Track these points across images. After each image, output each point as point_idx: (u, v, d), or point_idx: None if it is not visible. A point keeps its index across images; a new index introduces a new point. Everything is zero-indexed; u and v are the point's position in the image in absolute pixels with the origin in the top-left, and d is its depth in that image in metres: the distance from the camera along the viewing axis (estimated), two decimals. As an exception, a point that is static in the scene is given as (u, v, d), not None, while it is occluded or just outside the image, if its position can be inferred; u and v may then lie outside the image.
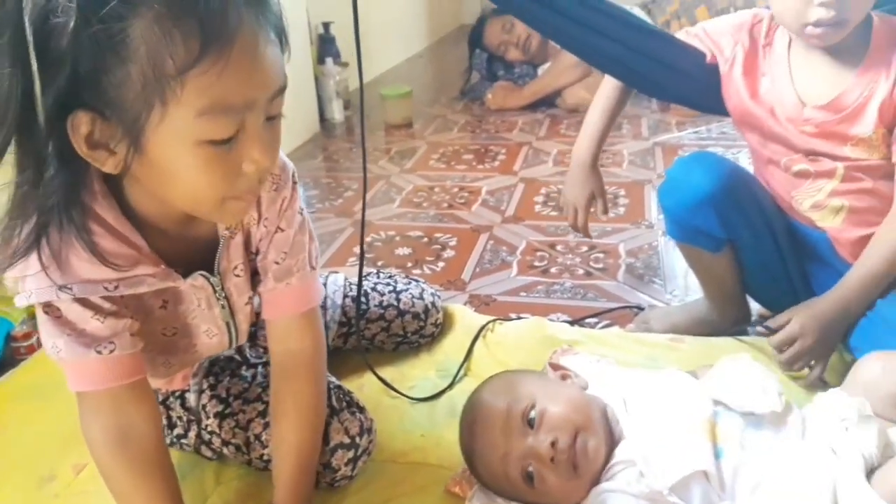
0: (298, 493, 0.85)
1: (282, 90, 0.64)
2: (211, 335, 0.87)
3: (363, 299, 1.16)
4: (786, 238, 1.15)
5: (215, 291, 0.82)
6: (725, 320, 1.23)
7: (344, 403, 0.94)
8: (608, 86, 1.29)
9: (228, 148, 0.61)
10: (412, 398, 1.09)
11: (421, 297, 1.19)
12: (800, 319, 1.03)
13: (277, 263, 0.83)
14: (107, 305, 0.73)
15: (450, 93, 3.13)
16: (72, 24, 0.54)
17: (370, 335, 1.17)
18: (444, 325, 1.25)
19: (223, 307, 0.85)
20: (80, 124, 0.59)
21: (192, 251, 0.79)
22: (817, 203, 1.09)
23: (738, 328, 1.24)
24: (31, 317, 1.41)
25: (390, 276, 1.24)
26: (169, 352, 0.86)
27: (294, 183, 0.83)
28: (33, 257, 0.67)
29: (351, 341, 1.16)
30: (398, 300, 1.17)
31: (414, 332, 1.19)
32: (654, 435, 0.81)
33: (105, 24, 0.54)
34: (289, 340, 0.86)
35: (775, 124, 1.07)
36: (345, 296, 1.16)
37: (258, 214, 0.81)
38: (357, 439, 0.91)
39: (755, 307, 1.28)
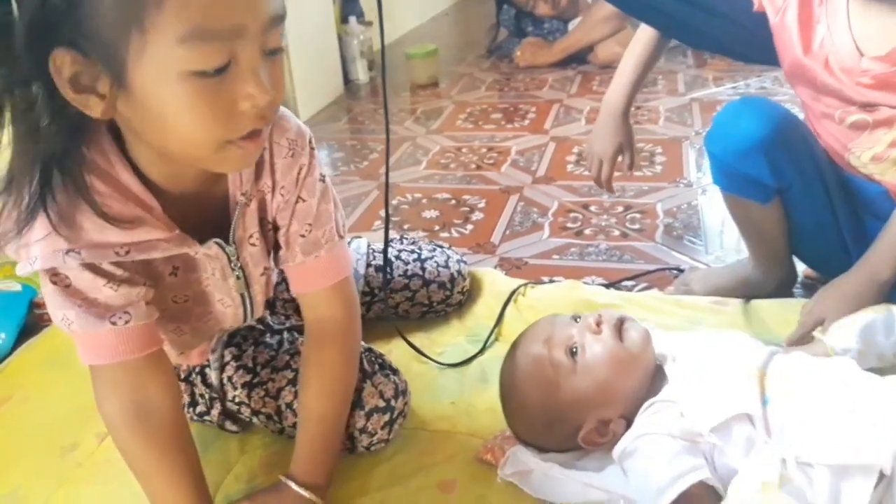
0: (316, 464, 0.81)
1: (277, 19, 0.59)
2: (225, 305, 0.83)
3: (387, 269, 1.12)
4: (839, 192, 1.07)
5: (230, 261, 0.78)
6: (770, 281, 1.17)
7: (376, 366, 0.91)
8: (644, 34, 1.22)
9: (219, 81, 0.57)
10: (441, 363, 1.05)
11: (446, 266, 1.14)
12: (824, 301, 0.99)
13: (303, 236, 0.79)
14: (119, 272, 0.69)
15: (477, 51, 3.04)
16: None
17: (394, 304, 1.12)
18: (473, 290, 1.21)
19: (238, 278, 0.80)
20: (63, 64, 0.55)
21: (205, 218, 0.74)
22: (877, 155, 1.01)
23: (783, 289, 1.18)
24: (55, 283, 1.39)
25: (414, 243, 1.19)
26: (181, 319, 0.82)
27: (312, 149, 0.78)
28: (39, 222, 0.63)
29: (374, 309, 1.12)
30: (423, 269, 1.12)
31: (440, 302, 1.14)
32: (699, 379, 0.78)
33: None
34: (320, 309, 0.83)
35: (829, 77, 1.00)
36: (368, 264, 1.11)
37: (272, 182, 0.76)
38: (392, 402, 0.89)
39: (800, 268, 1.21)
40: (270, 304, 0.99)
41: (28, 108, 0.57)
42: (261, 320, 0.97)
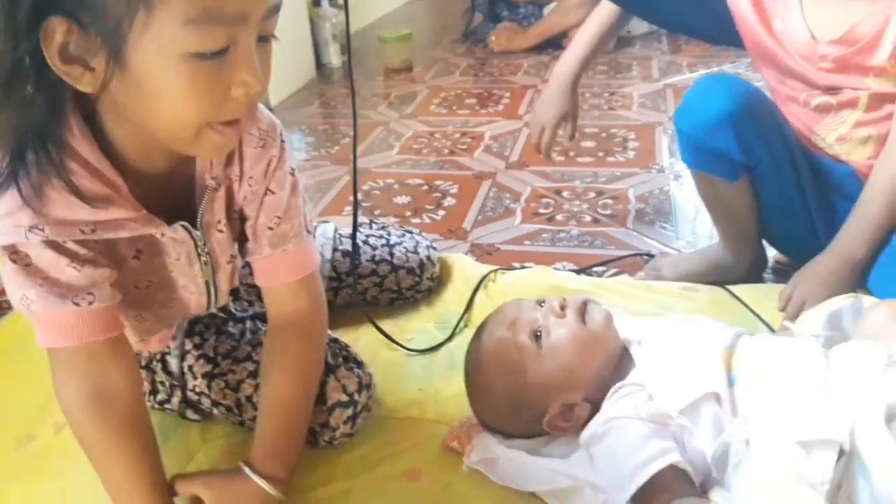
0: (276, 455, 0.78)
1: (276, 7, 0.59)
2: (189, 291, 0.81)
3: (356, 254, 1.10)
4: (808, 172, 1.07)
5: (197, 246, 0.76)
6: (740, 264, 1.17)
7: (340, 359, 0.89)
8: (603, 10, 1.24)
9: (217, 65, 0.57)
10: (410, 349, 1.03)
11: (416, 251, 1.12)
12: (802, 284, 1.01)
13: (271, 229, 0.78)
14: (82, 252, 0.67)
15: (451, 35, 3.01)
16: None
17: (362, 289, 1.10)
18: (443, 276, 1.19)
19: (205, 263, 0.78)
20: (55, 32, 0.54)
21: (171, 201, 0.72)
22: (842, 136, 1.02)
23: (753, 274, 1.18)
24: (14, 270, 1.35)
25: (383, 228, 1.17)
26: (142, 305, 0.80)
27: (283, 142, 0.77)
28: (4, 196, 0.61)
29: (342, 295, 1.10)
30: (392, 255, 1.10)
31: (409, 288, 1.12)
32: (665, 361, 0.77)
33: None
34: (285, 303, 0.82)
35: (790, 60, 1.00)
36: (334, 249, 1.09)
37: (240, 171, 0.74)
38: (356, 395, 0.86)
39: (771, 254, 1.21)
40: (234, 290, 0.97)
41: (15, 77, 0.56)
42: (223, 308, 0.94)
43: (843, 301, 0.85)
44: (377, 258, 1.10)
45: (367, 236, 1.12)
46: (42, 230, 0.63)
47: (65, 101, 0.61)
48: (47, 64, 0.56)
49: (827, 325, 0.83)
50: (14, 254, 0.65)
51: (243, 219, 0.79)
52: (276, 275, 0.81)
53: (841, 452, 0.66)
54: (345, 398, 0.86)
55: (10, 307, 1.23)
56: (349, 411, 0.86)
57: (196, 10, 0.53)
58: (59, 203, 0.63)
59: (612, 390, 0.77)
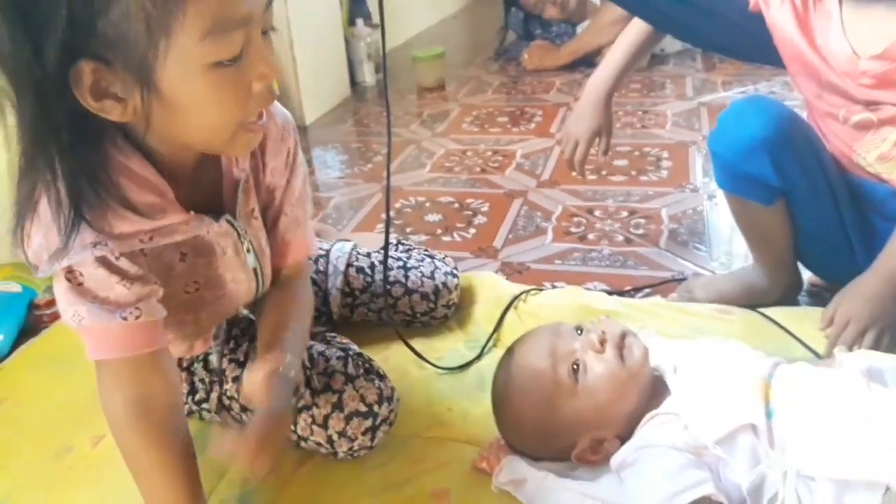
0: (277, 342, 0.79)
1: (272, 0, 0.64)
2: (238, 283, 0.84)
3: (368, 272, 1.11)
4: (845, 194, 1.05)
5: (240, 236, 0.80)
6: (775, 288, 1.15)
7: (361, 370, 0.90)
8: (638, 24, 1.23)
9: (237, 67, 0.61)
10: (439, 367, 1.04)
11: (432, 277, 1.11)
12: (845, 304, 0.99)
13: (286, 215, 0.86)
14: (132, 270, 0.70)
15: (484, 54, 3.03)
16: None
17: (376, 308, 1.11)
18: (473, 295, 1.19)
19: (249, 251, 0.83)
20: (83, 75, 0.57)
21: (205, 197, 0.76)
22: (883, 154, 0.99)
23: (788, 297, 1.16)
24: (56, 284, 1.39)
25: (409, 249, 1.17)
26: (196, 308, 0.83)
27: (296, 134, 0.85)
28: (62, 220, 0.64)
29: (358, 312, 1.11)
30: (406, 277, 1.10)
31: (424, 314, 1.11)
32: (702, 390, 0.76)
33: None
34: (283, 278, 0.90)
35: (832, 74, 0.99)
36: (349, 265, 1.10)
37: (263, 162, 0.81)
38: (375, 407, 0.87)
39: (806, 276, 1.19)
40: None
41: (52, 126, 0.59)
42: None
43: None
44: (391, 279, 1.10)
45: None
46: (106, 245, 0.67)
47: (106, 128, 0.64)
48: (79, 107, 0.59)
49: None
50: (69, 273, 0.68)
51: (266, 207, 0.85)
52: (287, 256, 0.88)
53: (886, 491, 0.64)
54: (363, 408, 0.86)
55: (51, 321, 1.26)
56: (368, 422, 0.86)
57: (208, 22, 0.57)
58: (117, 220, 0.67)
59: (646, 418, 0.76)
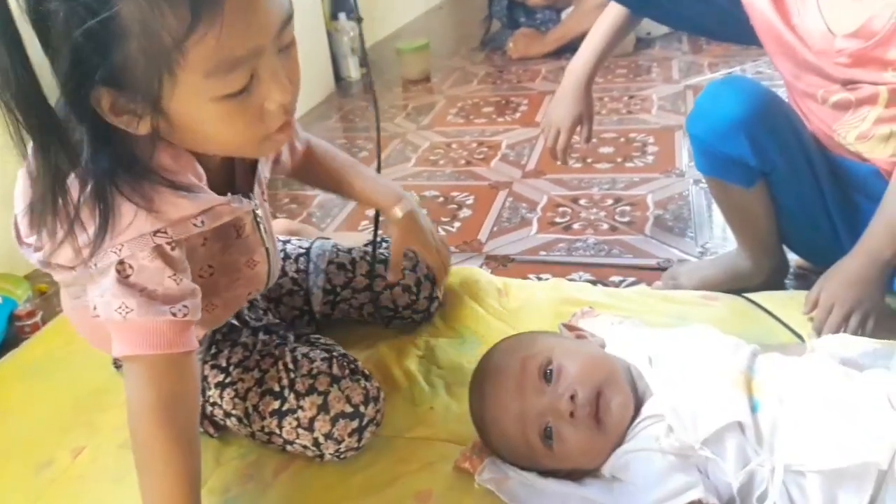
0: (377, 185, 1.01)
1: (288, 20, 0.63)
2: (253, 265, 0.85)
3: (349, 267, 1.09)
4: (827, 174, 1.04)
5: (256, 215, 0.82)
6: (761, 271, 1.14)
7: (347, 371, 0.89)
8: (615, 7, 1.21)
9: (247, 95, 0.62)
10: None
11: (413, 270, 1.09)
12: (829, 287, 0.97)
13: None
14: (181, 261, 0.71)
15: (469, 44, 3.01)
16: (61, 12, 0.55)
17: (358, 304, 1.10)
18: (458, 290, 1.18)
19: (266, 231, 0.85)
20: (101, 98, 0.60)
21: (224, 178, 0.78)
22: (863, 133, 0.98)
23: (774, 280, 1.15)
24: (38, 294, 1.38)
25: (389, 246, 1.16)
26: (209, 293, 0.81)
27: None
28: (120, 213, 0.65)
29: (339, 309, 1.10)
30: (387, 269, 1.08)
31: (405, 307, 1.09)
32: (683, 388, 0.75)
33: (92, 9, 0.55)
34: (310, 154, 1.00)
35: (808, 53, 0.97)
36: (329, 261, 1.09)
37: None
38: (361, 408, 0.86)
39: (791, 259, 1.18)
40: None
41: (67, 146, 0.61)
42: (238, 315, 0.96)
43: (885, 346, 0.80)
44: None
45: (365, 252, 1.11)
46: (165, 232, 0.68)
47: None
48: (100, 119, 0.61)
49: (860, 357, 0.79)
50: (120, 265, 0.68)
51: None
52: (294, 150, 0.98)
53: (878, 475, 0.63)
54: (349, 409, 0.86)
55: (32, 331, 1.25)
56: (354, 423, 0.86)
57: (211, 63, 0.58)
58: (167, 203, 0.68)
59: (630, 427, 0.75)
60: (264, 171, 0.84)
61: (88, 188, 0.64)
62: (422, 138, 2.05)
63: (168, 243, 0.69)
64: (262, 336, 0.95)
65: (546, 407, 0.75)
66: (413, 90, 2.53)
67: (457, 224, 1.52)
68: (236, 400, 0.89)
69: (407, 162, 1.89)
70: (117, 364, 0.99)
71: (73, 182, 0.64)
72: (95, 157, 0.63)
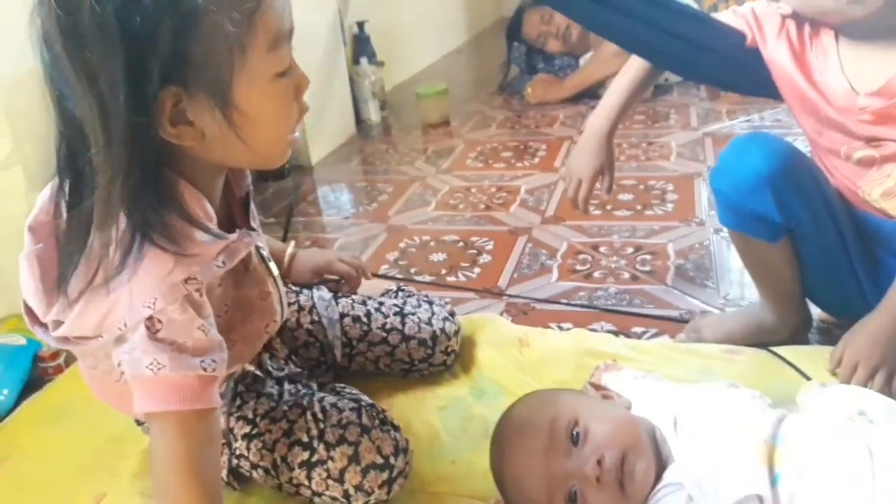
0: None
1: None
2: (265, 297, 0.85)
3: (364, 320, 1.09)
4: (851, 230, 1.04)
5: (258, 246, 0.83)
6: (784, 326, 1.13)
7: (377, 421, 0.89)
8: (638, 59, 1.22)
9: (288, 78, 0.68)
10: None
11: (429, 323, 1.10)
12: (853, 344, 0.97)
13: None
14: (204, 303, 0.70)
15: (488, 88, 3.04)
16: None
17: (374, 357, 1.09)
18: (477, 339, 1.18)
19: (269, 259, 0.86)
20: (165, 102, 0.61)
21: (224, 217, 0.79)
22: (888, 191, 0.98)
23: (798, 335, 1.14)
24: (61, 335, 1.39)
25: (410, 296, 1.16)
26: (228, 330, 0.81)
27: None
28: (145, 264, 0.65)
29: (356, 362, 1.10)
30: (403, 324, 1.09)
31: (422, 361, 1.09)
32: (705, 457, 0.74)
33: None
34: None
35: (831, 110, 0.98)
36: (343, 314, 1.09)
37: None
38: (391, 459, 0.86)
39: (816, 313, 1.17)
40: (268, 345, 0.99)
41: (127, 158, 0.61)
42: (260, 365, 0.96)
43: None
44: (388, 326, 1.09)
45: (381, 304, 1.12)
46: (195, 279, 0.68)
47: (162, 157, 0.66)
48: (145, 137, 0.62)
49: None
50: (149, 321, 0.67)
51: None
52: None
53: None
54: (380, 460, 0.85)
55: (56, 373, 1.26)
56: (385, 475, 0.85)
57: (271, 36, 0.64)
58: (193, 245, 0.68)
59: (651, 493, 0.74)
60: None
61: (121, 233, 0.63)
62: (441, 182, 2.07)
63: (197, 290, 0.68)
64: (287, 386, 0.95)
65: (573, 470, 0.74)
66: (432, 134, 2.56)
67: (476, 269, 1.52)
68: (264, 451, 0.89)
69: (426, 206, 1.91)
70: (139, 422, 0.99)
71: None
72: (140, 191, 0.63)
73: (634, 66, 1.25)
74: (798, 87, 1.02)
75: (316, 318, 1.09)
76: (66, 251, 0.66)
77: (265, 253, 0.86)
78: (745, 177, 1.00)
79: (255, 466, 0.90)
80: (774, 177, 0.99)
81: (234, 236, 0.73)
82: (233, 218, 0.81)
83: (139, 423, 0.98)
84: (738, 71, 1.11)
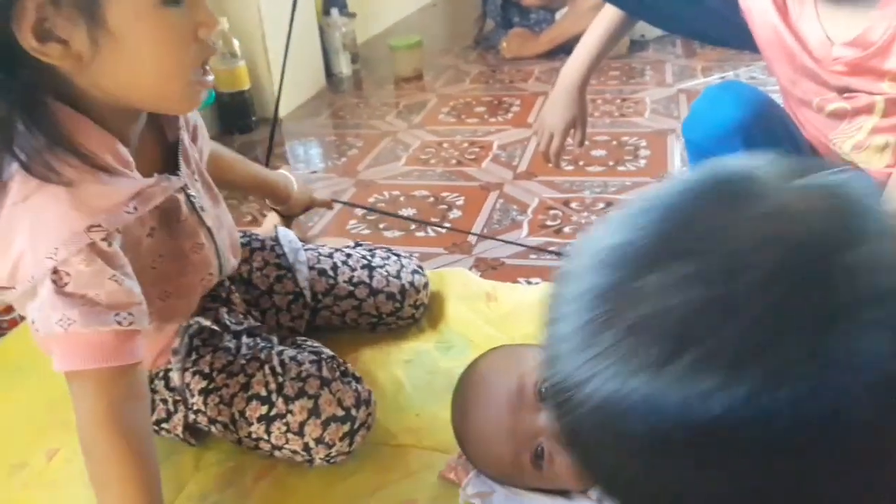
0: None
1: None
2: (198, 249, 0.82)
3: (331, 273, 1.06)
4: None
5: (188, 195, 0.79)
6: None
7: (337, 373, 0.87)
8: (610, 10, 1.20)
9: (181, 12, 0.64)
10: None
11: (398, 276, 1.07)
12: None
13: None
14: (120, 258, 0.67)
15: (463, 42, 2.98)
16: None
17: (340, 311, 1.07)
18: (445, 293, 1.16)
19: (202, 209, 0.82)
20: (25, 10, 0.57)
21: (148, 162, 0.75)
22: (858, 143, 0.97)
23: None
24: (16, 289, 1.35)
25: (371, 250, 1.13)
26: (162, 281, 0.80)
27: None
28: (45, 198, 0.62)
29: (321, 317, 1.07)
30: (371, 277, 1.06)
31: (390, 314, 1.07)
32: None
33: None
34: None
35: (806, 57, 0.96)
36: (310, 267, 1.06)
37: (185, 119, 0.83)
38: (353, 411, 0.84)
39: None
40: (227, 300, 0.96)
41: None
42: (217, 319, 0.93)
43: None
44: (355, 280, 1.06)
45: (348, 256, 1.09)
46: (99, 226, 0.65)
47: (42, 83, 0.62)
48: (16, 51, 0.57)
49: None
50: (55, 274, 0.64)
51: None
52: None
53: None
54: (340, 412, 0.84)
55: (10, 327, 1.22)
56: (346, 427, 0.83)
57: None
58: (92, 192, 0.65)
59: None
60: (191, 149, 0.82)
61: None
62: (413, 137, 2.03)
63: (104, 239, 0.65)
64: (245, 340, 0.92)
65: (540, 427, 0.73)
66: (405, 88, 2.50)
67: (446, 225, 1.50)
68: (221, 406, 0.87)
69: (397, 161, 1.87)
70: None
71: None
72: (9, 119, 0.61)
73: (607, 17, 1.22)
74: (776, 31, 0.99)
75: (280, 252, 1.05)
76: None
77: (199, 203, 0.82)
78: (716, 125, 0.99)
79: (213, 422, 0.88)
80: (746, 125, 0.97)
81: (145, 181, 0.70)
82: (159, 163, 0.78)
83: None
84: (715, 20, 1.09)
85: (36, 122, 0.62)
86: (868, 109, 0.95)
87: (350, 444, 0.84)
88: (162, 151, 0.79)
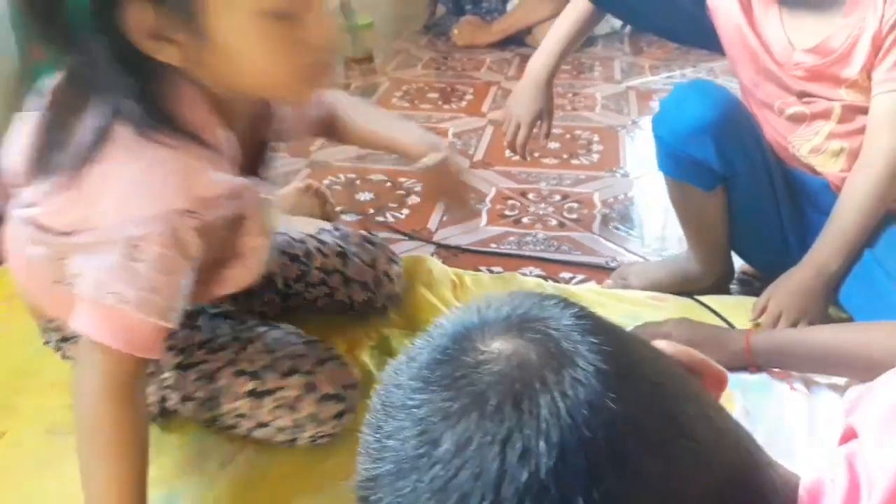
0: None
1: None
2: (255, 251, 0.78)
3: (304, 260, 1.03)
4: (782, 184, 1.08)
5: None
6: (708, 275, 1.17)
7: (328, 355, 0.88)
8: (578, 4, 1.22)
9: (292, 22, 0.61)
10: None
11: (373, 266, 1.05)
12: (777, 296, 1.01)
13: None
14: (196, 249, 0.66)
15: (413, 26, 2.96)
16: None
17: (311, 298, 1.04)
18: (411, 279, 1.15)
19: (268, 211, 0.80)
20: (135, 13, 0.58)
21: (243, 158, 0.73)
22: (815, 147, 1.02)
23: (720, 285, 1.18)
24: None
25: (345, 237, 1.09)
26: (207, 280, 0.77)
27: None
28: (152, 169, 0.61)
29: (291, 301, 1.04)
30: (345, 265, 1.04)
31: (363, 303, 1.05)
32: None
33: None
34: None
35: (768, 60, 1.00)
36: (282, 251, 1.02)
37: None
38: (346, 392, 0.85)
39: (738, 265, 1.22)
40: None
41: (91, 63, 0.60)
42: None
43: None
44: (329, 268, 1.03)
45: (322, 242, 1.06)
46: (195, 212, 0.63)
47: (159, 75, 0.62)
48: (126, 48, 0.59)
49: None
50: (133, 245, 0.62)
51: None
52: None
53: None
54: (335, 391, 0.84)
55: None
56: (340, 406, 0.84)
57: None
58: (203, 176, 0.64)
59: None
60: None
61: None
62: (366, 120, 2.00)
63: (194, 227, 0.64)
64: (222, 321, 0.91)
65: None
66: (356, 69, 2.46)
67: (405, 211, 1.49)
68: (200, 382, 0.84)
69: (352, 143, 1.84)
70: (48, 340, 0.91)
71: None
72: (125, 94, 0.60)
73: (575, 11, 1.24)
74: (740, 31, 1.03)
75: None
76: (52, 125, 0.61)
77: (269, 207, 0.80)
78: (686, 123, 1.02)
79: (186, 398, 0.86)
80: (716, 124, 1.00)
81: (245, 181, 0.69)
82: (254, 167, 0.76)
83: (47, 341, 0.91)
84: (683, 18, 1.12)
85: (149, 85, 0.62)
86: (825, 115, 1.00)
87: (336, 426, 0.84)
88: (248, 150, 0.76)
